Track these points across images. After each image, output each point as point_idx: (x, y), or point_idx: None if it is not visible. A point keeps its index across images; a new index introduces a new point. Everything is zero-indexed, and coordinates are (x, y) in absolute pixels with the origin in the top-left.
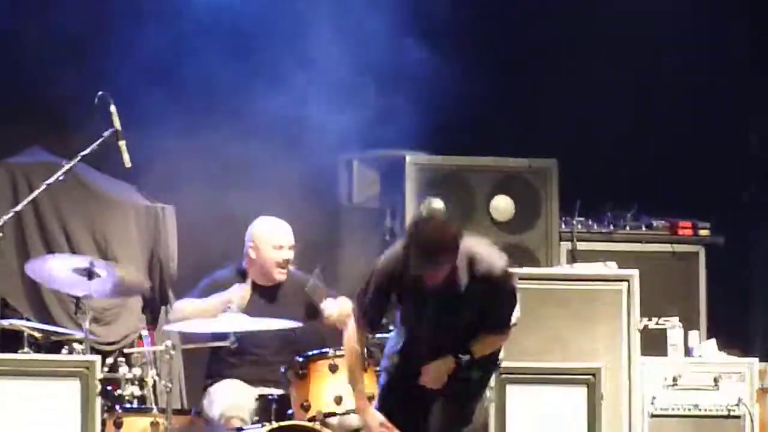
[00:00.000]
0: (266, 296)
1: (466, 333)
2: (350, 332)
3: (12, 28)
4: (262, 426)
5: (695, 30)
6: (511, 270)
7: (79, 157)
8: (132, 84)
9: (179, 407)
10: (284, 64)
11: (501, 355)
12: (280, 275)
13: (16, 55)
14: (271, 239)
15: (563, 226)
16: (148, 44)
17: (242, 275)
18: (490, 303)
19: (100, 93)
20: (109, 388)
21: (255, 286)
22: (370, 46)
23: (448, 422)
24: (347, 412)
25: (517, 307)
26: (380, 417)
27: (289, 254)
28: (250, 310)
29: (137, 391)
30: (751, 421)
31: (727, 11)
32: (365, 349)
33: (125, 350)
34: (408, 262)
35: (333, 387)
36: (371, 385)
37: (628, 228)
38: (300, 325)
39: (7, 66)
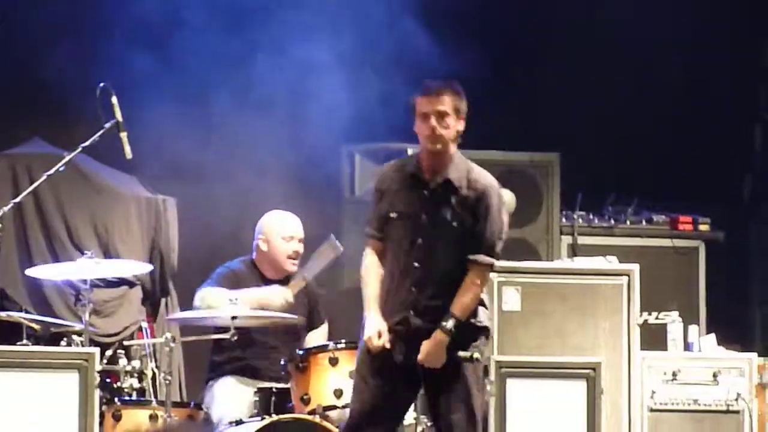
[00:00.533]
0: None
1: (452, 262)
2: (365, 253)
3: (4, 18)
4: (262, 419)
5: (696, 27)
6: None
7: (80, 148)
8: (135, 75)
9: (179, 400)
10: (286, 56)
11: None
12: (291, 266)
13: (13, 46)
14: (281, 230)
15: (564, 220)
16: (150, 38)
17: (253, 267)
18: (479, 220)
19: (101, 84)
20: (108, 380)
21: (265, 280)
22: (372, 37)
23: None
24: (347, 406)
25: (502, 236)
26: (379, 327)
27: (299, 247)
28: None
29: (136, 384)
30: (750, 416)
31: (728, 7)
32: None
33: (125, 342)
34: (405, 168)
35: (333, 380)
36: None
37: (628, 222)
38: (303, 319)
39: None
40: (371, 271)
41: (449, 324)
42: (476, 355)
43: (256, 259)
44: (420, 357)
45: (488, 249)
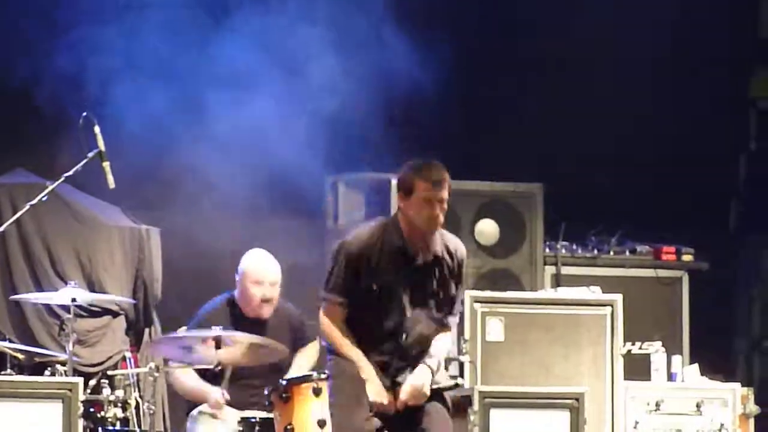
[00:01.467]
0: (253, 329)
1: (429, 321)
2: (326, 317)
3: None
4: None
5: (683, 57)
6: None
7: (62, 178)
8: (117, 105)
9: (161, 430)
10: (269, 89)
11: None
12: (263, 311)
13: None
14: (252, 274)
15: (548, 250)
16: (137, 70)
17: (232, 305)
18: (451, 283)
19: (84, 114)
20: (92, 409)
21: (244, 318)
22: (358, 67)
23: None
24: None
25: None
26: (383, 394)
27: (271, 291)
28: None
29: (120, 413)
30: None
31: (715, 37)
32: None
33: (109, 372)
34: (385, 240)
35: (316, 410)
36: None
37: (612, 253)
38: (286, 350)
39: None
40: (346, 336)
41: (432, 362)
42: (459, 381)
43: (236, 296)
44: (405, 395)
45: (456, 313)
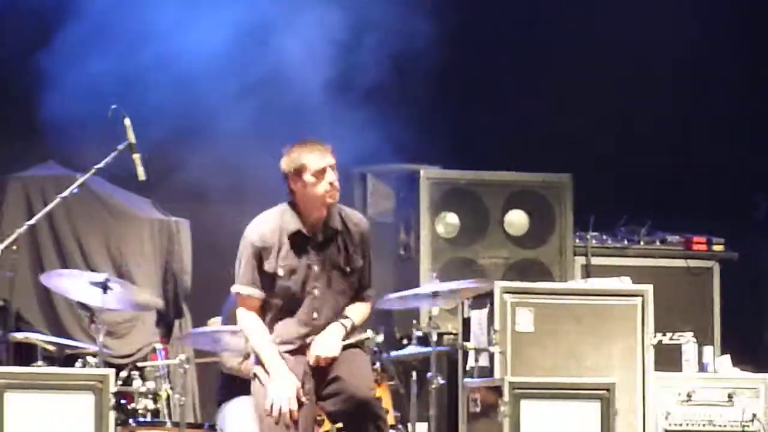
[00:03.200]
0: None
1: (340, 297)
2: (240, 310)
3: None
4: None
5: (705, 43)
6: None
7: (93, 170)
8: (145, 97)
9: (192, 421)
10: (296, 77)
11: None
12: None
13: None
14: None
15: (577, 241)
16: (167, 67)
17: None
18: (356, 257)
19: (113, 107)
20: (122, 401)
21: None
22: (385, 62)
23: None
24: None
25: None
26: (292, 390)
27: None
28: None
29: (151, 405)
30: None
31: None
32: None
33: (139, 364)
34: (282, 225)
35: None
36: (386, 401)
37: (642, 243)
38: None
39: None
40: (264, 330)
41: (346, 322)
42: (368, 334)
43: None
44: (315, 349)
45: (368, 288)
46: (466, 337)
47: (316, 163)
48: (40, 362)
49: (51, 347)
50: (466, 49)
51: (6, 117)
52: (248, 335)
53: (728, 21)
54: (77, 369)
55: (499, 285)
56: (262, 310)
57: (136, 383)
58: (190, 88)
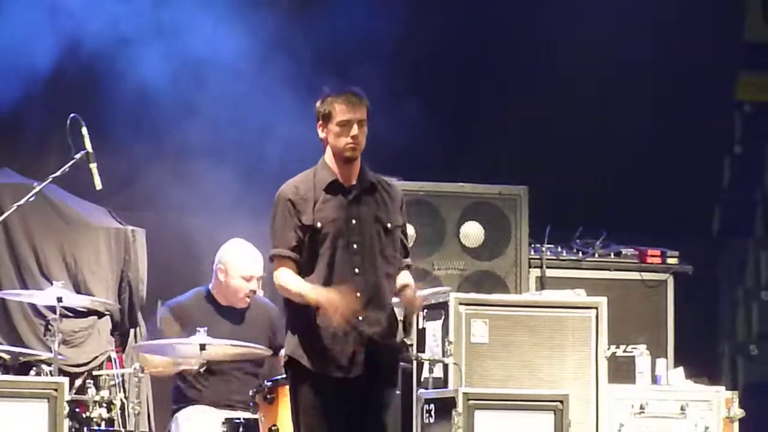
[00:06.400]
0: (233, 318)
1: (380, 256)
2: (279, 271)
3: None
4: None
5: (667, 59)
6: None
7: (50, 179)
8: (102, 107)
9: (146, 430)
10: (252, 89)
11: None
12: (242, 303)
13: None
14: (241, 269)
15: (533, 252)
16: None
17: (209, 298)
18: (397, 215)
19: (71, 115)
20: (77, 410)
21: (221, 307)
22: (342, 73)
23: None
24: None
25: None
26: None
27: (256, 286)
28: (215, 331)
29: (105, 414)
30: None
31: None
32: None
33: (94, 372)
34: (317, 178)
35: None
36: None
37: (596, 255)
38: (269, 351)
39: None
40: (301, 280)
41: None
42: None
43: (213, 287)
44: (410, 304)
45: (409, 253)
46: (421, 348)
47: (343, 114)
48: None
49: (5, 355)
50: (422, 60)
51: None
52: (288, 288)
53: (689, 34)
54: (31, 377)
55: (454, 296)
56: (302, 269)
57: (91, 392)
58: (149, 98)
